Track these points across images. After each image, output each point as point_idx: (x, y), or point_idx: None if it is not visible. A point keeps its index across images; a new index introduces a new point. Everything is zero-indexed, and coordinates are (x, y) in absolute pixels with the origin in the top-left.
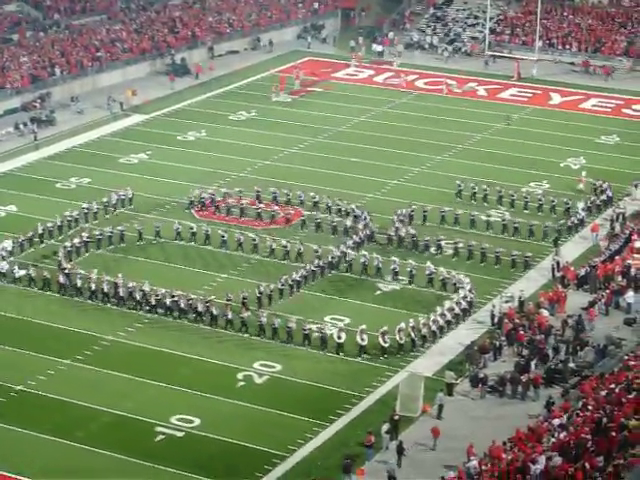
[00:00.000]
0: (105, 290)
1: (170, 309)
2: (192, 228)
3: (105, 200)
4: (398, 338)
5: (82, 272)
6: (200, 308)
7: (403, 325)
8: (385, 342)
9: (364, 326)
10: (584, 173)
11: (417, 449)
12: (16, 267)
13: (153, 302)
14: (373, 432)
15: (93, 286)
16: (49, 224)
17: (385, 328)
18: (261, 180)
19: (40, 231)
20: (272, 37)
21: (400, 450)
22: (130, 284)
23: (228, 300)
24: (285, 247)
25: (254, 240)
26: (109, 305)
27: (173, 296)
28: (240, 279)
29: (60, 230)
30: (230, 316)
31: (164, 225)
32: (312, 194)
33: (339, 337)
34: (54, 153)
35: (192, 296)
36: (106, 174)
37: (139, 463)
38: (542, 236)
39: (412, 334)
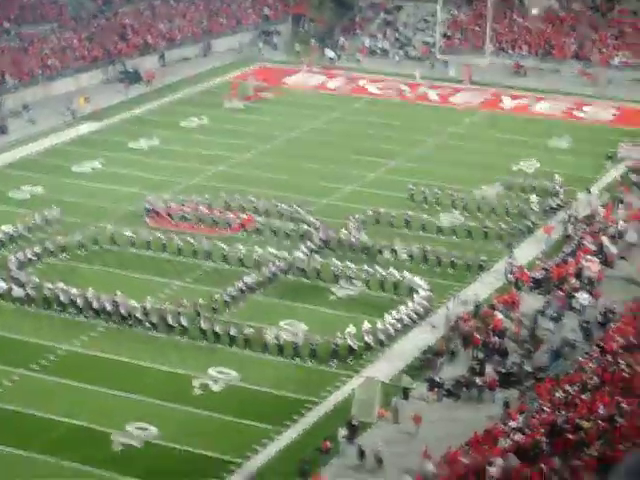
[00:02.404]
0: (60, 299)
1: (124, 317)
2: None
3: (29, 220)
4: (350, 341)
5: (36, 281)
6: (154, 317)
7: (367, 326)
8: (354, 343)
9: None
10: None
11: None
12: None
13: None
14: (329, 437)
15: (47, 295)
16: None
17: (352, 329)
18: (213, 187)
19: None
20: (223, 43)
21: (361, 455)
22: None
23: (191, 308)
24: (237, 254)
25: (206, 249)
26: (63, 314)
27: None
28: (195, 286)
29: (12, 240)
30: (185, 323)
31: (117, 233)
32: (259, 200)
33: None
34: (7, 162)
35: (146, 305)
36: (59, 182)
37: (97, 473)
38: (496, 239)
39: (366, 337)
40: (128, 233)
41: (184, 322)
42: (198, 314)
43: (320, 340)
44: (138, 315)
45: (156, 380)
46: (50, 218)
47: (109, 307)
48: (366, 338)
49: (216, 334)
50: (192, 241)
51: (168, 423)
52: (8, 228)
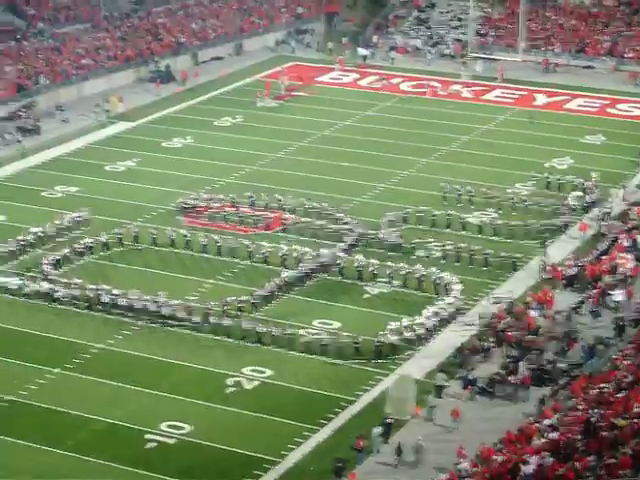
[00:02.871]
0: (95, 298)
1: (160, 316)
2: (186, 236)
3: (58, 222)
4: (392, 338)
5: (69, 281)
6: (187, 314)
7: (394, 325)
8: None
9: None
10: (594, 175)
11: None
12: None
13: (151, 309)
14: (363, 436)
15: (75, 293)
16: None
17: (392, 325)
18: (248, 186)
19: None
20: (256, 43)
21: (399, 452)
22: (116, 291)
23: (221, 307)
24: (273, 252)
25: (248, 247)
26: (96, 313)
27: (157, 302)
28: (228, 284)
29: (42, 240)
30: (219, 321)
31: (150, 232)
32: (297, 199)
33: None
34: (40, 162)
35: (176, 302)
36: (93, 182)
37: (130, 471)
38: (530, 237)
39: (390, 337)
40: (162, 231)
41: (217, 320)
42: (232, 312)
43: (356, 338)
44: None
45: (190, 379)
46: (79, 219)
47: (152, 307)
48: (406, 334)
49: (250, 332)
50: (227, 239)
51: (202, 421)
52: (37, 229)
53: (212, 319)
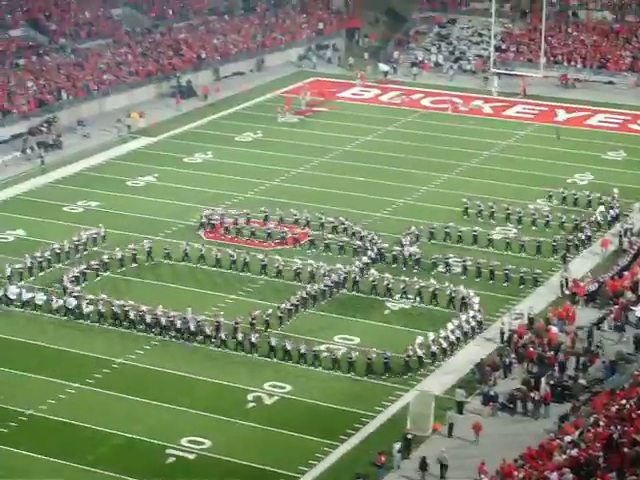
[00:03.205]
0: (114, 313)
1: (178, 330)
2: (201, 250)
3: (75, 239)
4: (420, 352)
5: (90, 296)
6: (208, 330)
7: (421, 339)
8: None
9: (420, 338)
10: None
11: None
12: (40, 293)
13: (163, 324)
14: (384, 452)
15: (101, 309)
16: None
17: (420, 340)
18: (268, 201)
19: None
20: (277, 58)
21: (423, 466)
22: (141, 307)
23: (236, 323)
24: (294, 267)
25: (262, 261)
26: (118, 328)
27: (184, 318)
28: (249, 300)
29: (67, 255)
30: (240, 337)
31: (172, 247)
32: (318, 214)
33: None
34: (61, 177)
35: (201, 317)
36: (114, 197)
37: None
38: (551, 252)
39: (418, 351)
40: (177, 246)
41: (239, 336)
42: (252, 328)
43: (385, 353)
44: (179, 325)
45: (210, 394)
46: (95, 236)
47: (179, 323)
48: (433, 347)
49: (271, 348)
50: (247, 254)
51: (222, 437)
52: (55, 245)
53: (239, 335)
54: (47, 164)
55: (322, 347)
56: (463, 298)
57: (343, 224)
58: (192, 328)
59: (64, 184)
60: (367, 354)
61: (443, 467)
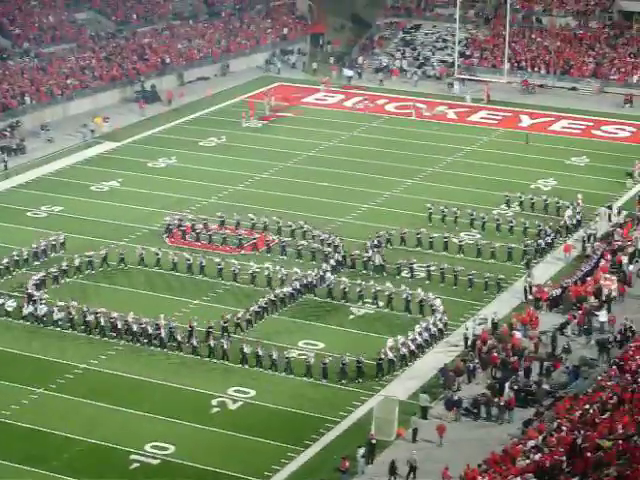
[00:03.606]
0: (75, 318)
1: (140, 336)
2: (157, 254)
3: (34, 246)
4: (391, 355)
5: (66, 304)
6: (180, 337)
7: (392, 342)
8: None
9: (391, 341)
10: (579, 196)
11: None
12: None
13: (124, 329)
14: (348, 457)
15: (62, 315)
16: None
17: (390, 342)
18: (232, 206)
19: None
20: (242, 63)
21: (393, 470)
22: (95, 310)
23: (191, 327)
24: (256, 272)
25: (233, 268)
26: (80, 333)
27: (157, 324)
28: (213, 305)
29: (26, 261)
30: (212, 343)
31: (134, 252)
32: (275, 218)
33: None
34: (25, 181)
35: (173, 324)
36: (78, 202)
37: None
38: (514, 258)
39: (390, 354)
40: (145, 251)
41: (200, 341)
42: (216, 333)
43: (346, 359)
44: (151, 332)
45: (174, 399)
46: (54, 243)
47: (120, 325)
48: (390, 354)
49: (234, 353)
50: (211, 260)
51: (186, 442)
52: (14, 252)
53: (195, 339)
54: (10, 169)
55: (294, 353)
56: (422, 301)
57: (302, 228)
58: (163, 334)
59: (27, 189)
60: (341, 359)
61: (412, 469)
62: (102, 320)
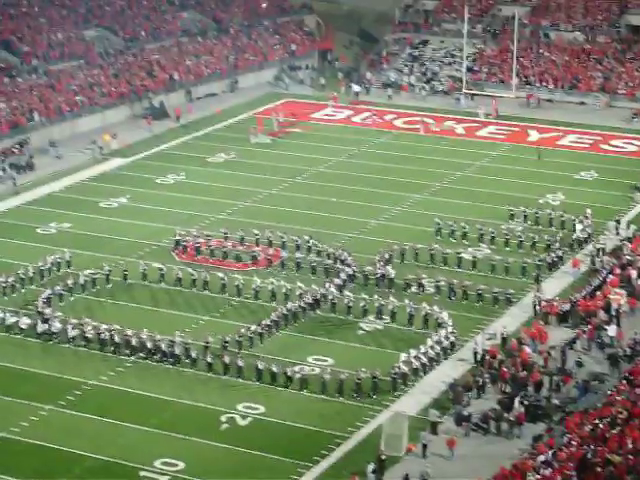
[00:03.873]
0: (86, 334)
1: (152, 352)
2: (161, 269)
3: (40, 264)
4: (406, 369)
5: (79, 320)
6: (178, 351)
7: (405, 356)
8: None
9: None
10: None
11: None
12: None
13: (136, 345)
14: (357, 473)
15: (73, 331)
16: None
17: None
18: (241, 222)
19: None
20: (250, 79)
21: None
22: (105, 326)
23: (207, 342)
24: (268, 288)
25: (238, 284)
26: (90, 350)
27: (155, 340)
28: (222, 321)
29: (30, 280)
30: (209, 359)
31: (144, 268)
32: (279, 233)
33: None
34: (33, 198)
35: (173, 339)
36: (86, 218)
37: None
38: (523, 272)
39: (404, 368)
40: (156, 266)
41: (210, 358)
42: (225, 349)
43: (362, 374)
44: (164, 348)
45: (184, 415)
46: (60, 260)
47: (134, 342)
48: (415, 364)
49: (244, 369)
50: (220, 276)
51: (196, 458)
52: (21, 270)
53: (204, 355)
54: (19, 186)
55: (296, 368)
56: (426, 315)
57: (308, 243)
58: (177, 351)
59: (36, 205)
60: (357, 375)
61: None
62: (116, 337)
